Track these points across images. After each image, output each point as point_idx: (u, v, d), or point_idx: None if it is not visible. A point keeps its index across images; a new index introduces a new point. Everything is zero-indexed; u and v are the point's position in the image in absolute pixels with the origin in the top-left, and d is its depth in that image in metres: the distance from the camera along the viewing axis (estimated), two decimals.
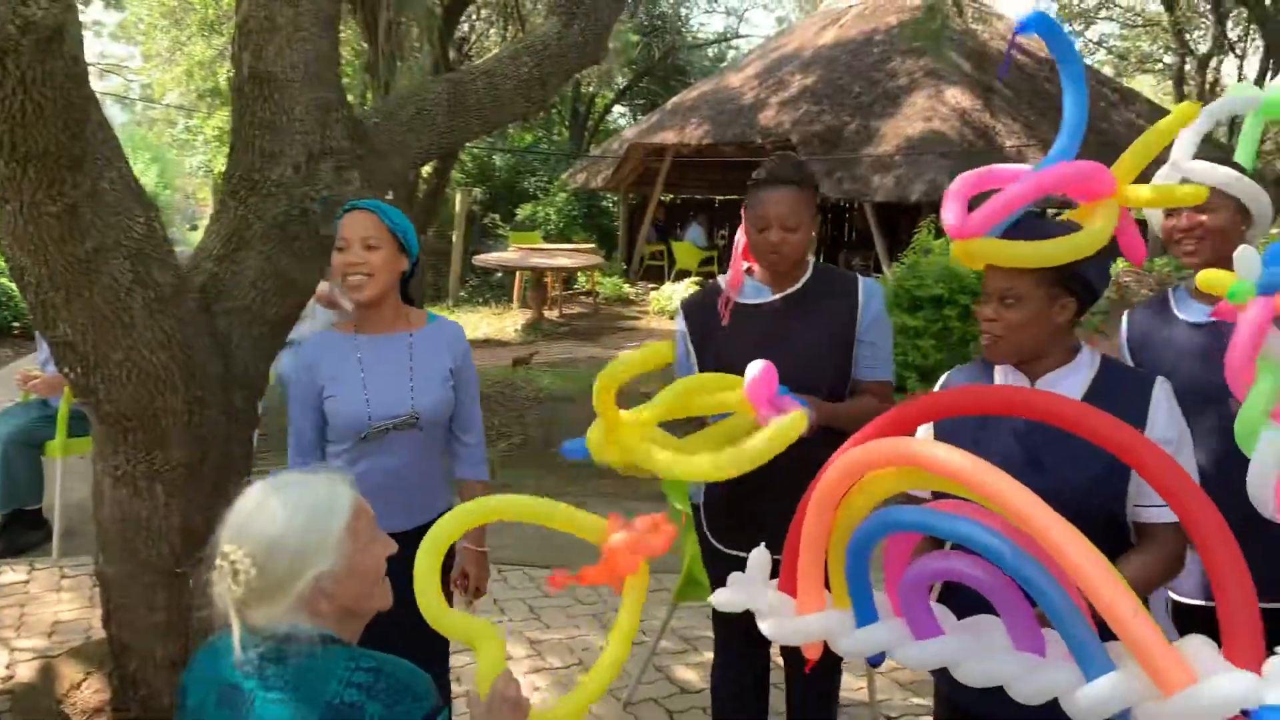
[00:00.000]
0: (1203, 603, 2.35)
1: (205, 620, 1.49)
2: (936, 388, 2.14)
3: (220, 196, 2.85)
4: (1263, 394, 1.73)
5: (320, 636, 1.45)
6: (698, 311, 2.67)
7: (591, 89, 25.76)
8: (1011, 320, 1.88)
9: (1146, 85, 25.62)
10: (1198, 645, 1.32)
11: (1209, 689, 1.22)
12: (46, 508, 5.16)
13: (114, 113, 30.39)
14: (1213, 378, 2.14)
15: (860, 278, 2.63)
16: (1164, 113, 2.33)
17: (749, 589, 1.75)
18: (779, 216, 2.46)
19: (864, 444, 1.58)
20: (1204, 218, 2.29)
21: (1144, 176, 2.15)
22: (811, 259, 2.65)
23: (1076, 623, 1.34)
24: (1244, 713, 1.21)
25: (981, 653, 1.51)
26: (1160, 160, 2.37)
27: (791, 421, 2.11)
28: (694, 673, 3.90)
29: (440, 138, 3.18)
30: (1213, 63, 21.64)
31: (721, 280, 2.66)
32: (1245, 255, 1.81)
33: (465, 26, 19.49)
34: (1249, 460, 1.79)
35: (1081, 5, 23.81)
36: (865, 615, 1.61)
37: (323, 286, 5.49)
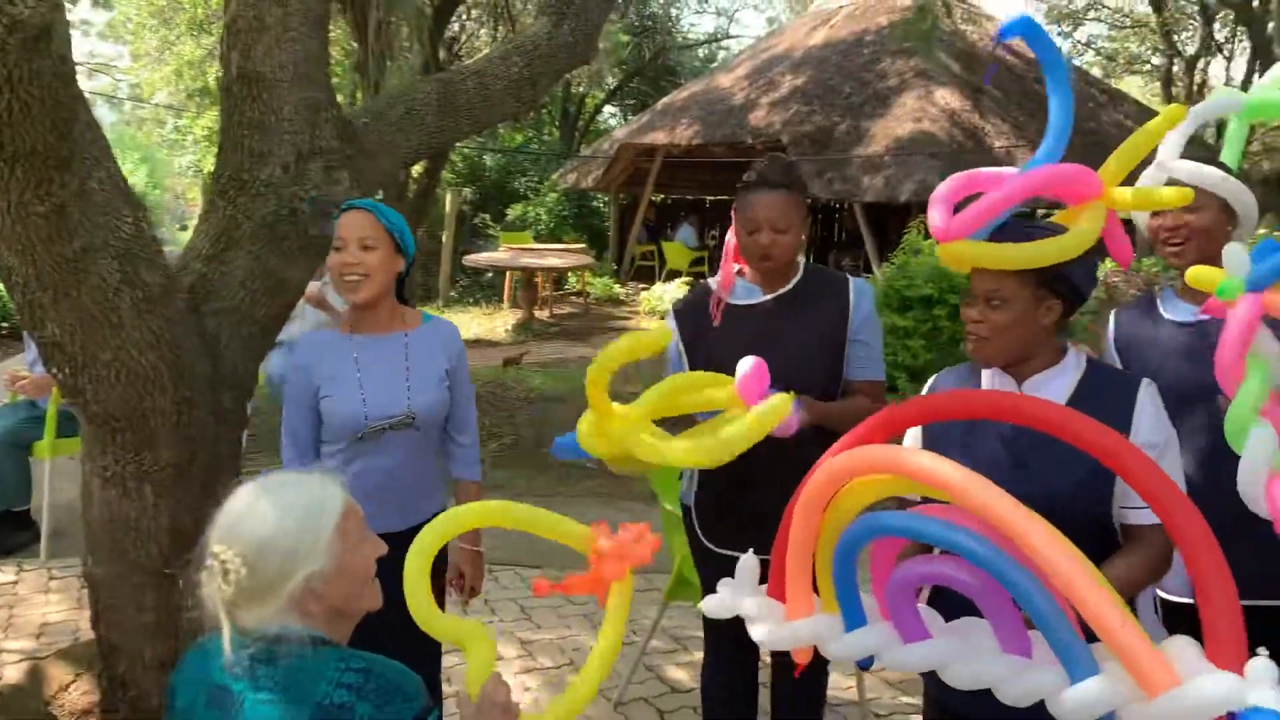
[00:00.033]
0: (1190, 600, 2.36)
1: (195, 621, 1.49)
2: (925, 390, 2.15)
3: (209, 196, 2.84)
4: (1252, 391, 1.75)
5: (310, 637, 1.45)
6: (689, 312, 2.67)
7: (582, 89, 25.76)
8: (997, 322, 1.89)
9: (1135, 86, 25.72)
10: (1181, 647, 1.33)
11: (1193, 691, 1.24)
12: (34, 509, 5.14)
13: (103, 112, 30.33)
14: (1200, 377, 2.15)
15: (851, 278, 2.64)
16: (1152, 114, 2.35)
17: (738, 594, 1.76)
18: (769, 219, 2.47)
19: (849, 450, 1.59)
20: (1190, 217, 2.30)
21: (1130, 176, 2.16)
22: (802, 260, 2.66)
23: (1061, 626, 1.35)
24: (1230, 714, 1.23)
25: (969, 655, 1.52)
26: (1147, 160, 2.38)
27: (774, 406, 2.12)
28: (684, 672, 3.90)
29: (430, 138, 3.17)
30: (1200, 64, 21.73)
31: (713, 281, 2.66)
32: (1234, 252, 1.82)
33: (455, 26, 19.45)
34: (1237, 458, 1.80)
35: (1070, 6, 23.90)
36: (853, 619, 1.62)
37: (312, 287, 5.49)
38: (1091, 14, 24.42)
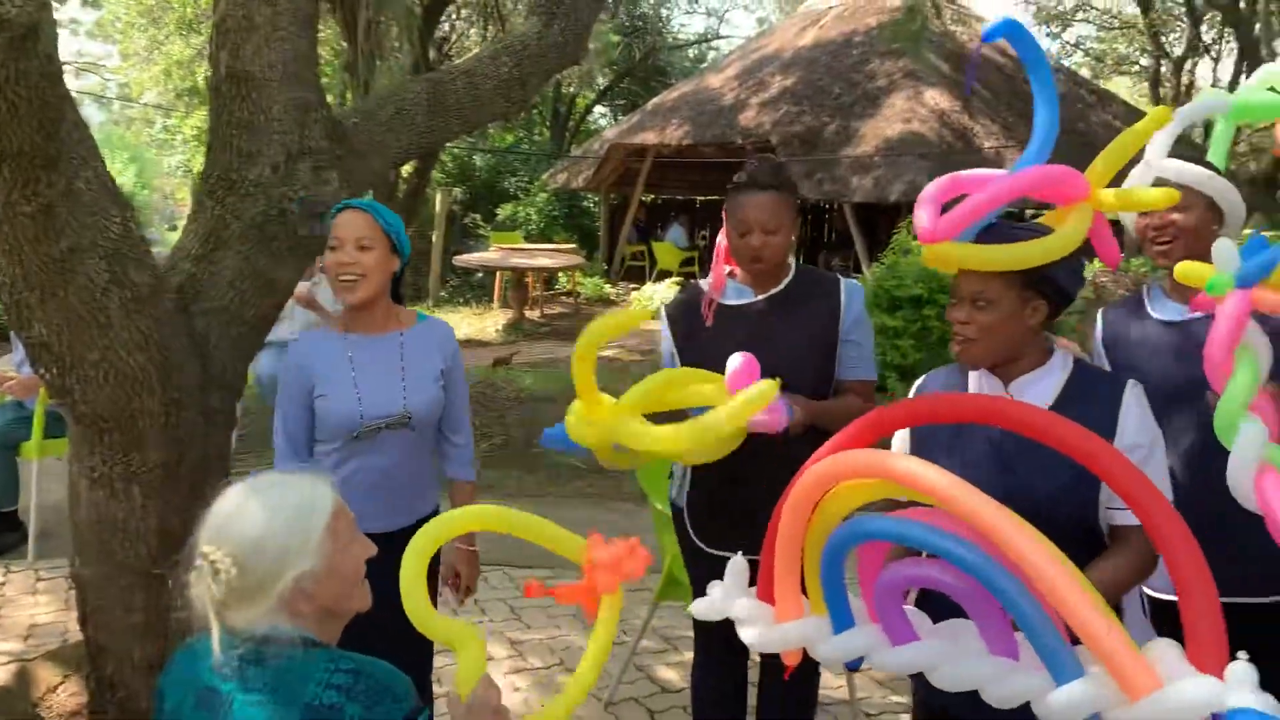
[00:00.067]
0: (1177, 598, 2.38)
1: (183, 622, 1.48)
2: (913, 390, 2.16)
3: (197, 196, 2.83)
4: (1241, 386, 1.76)
5: (300, 638, 1.44)
6: (681, 313, 2.68)
7: (572, 89, 25.75)
8: (983, 323, 1.89)
9: (1123, 87, 25.82)
10: (1163, 649, 1.35)
11: (1174, 694, 1.26)
12: (22, 510, 5.12)
13: (91, 112, 30.16)
14: (1187, 375, 2.16)
15: (842, 279, 2.66)
16: (1140, 114, 2.36)
17: (727, 597, 1.77)
18: (759, 221, 2.48)
19: (836, 454, 1.60)
20: (1177, 217, 2.31)
21: (1119, 175, 2.17)
22: (793, 261, 2.66)
23: (1046, 630, 1.37)
24: (1213, 716, 1.24)
25: (956, 657, 1.53)
26: (1136, 159, 2.40)
27: (761, 391, 2.14)
28: (675, 672, 3.91)
29: (420, 138, 3.17)
30: (1188, 65, 21.83)
31: (704, 283, 2.67)
32: (1224, 248, 1.83)
33: (445, 26, 19.43)
34: (1224, 456, 1.81)
35: (1058, 8, 23.99)
36: (841, 621, 1.64)
37: (301, 287, 5.48)
38: (1080, 15, 24.53)
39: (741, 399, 2.15)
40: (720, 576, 1.80)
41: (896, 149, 13.41)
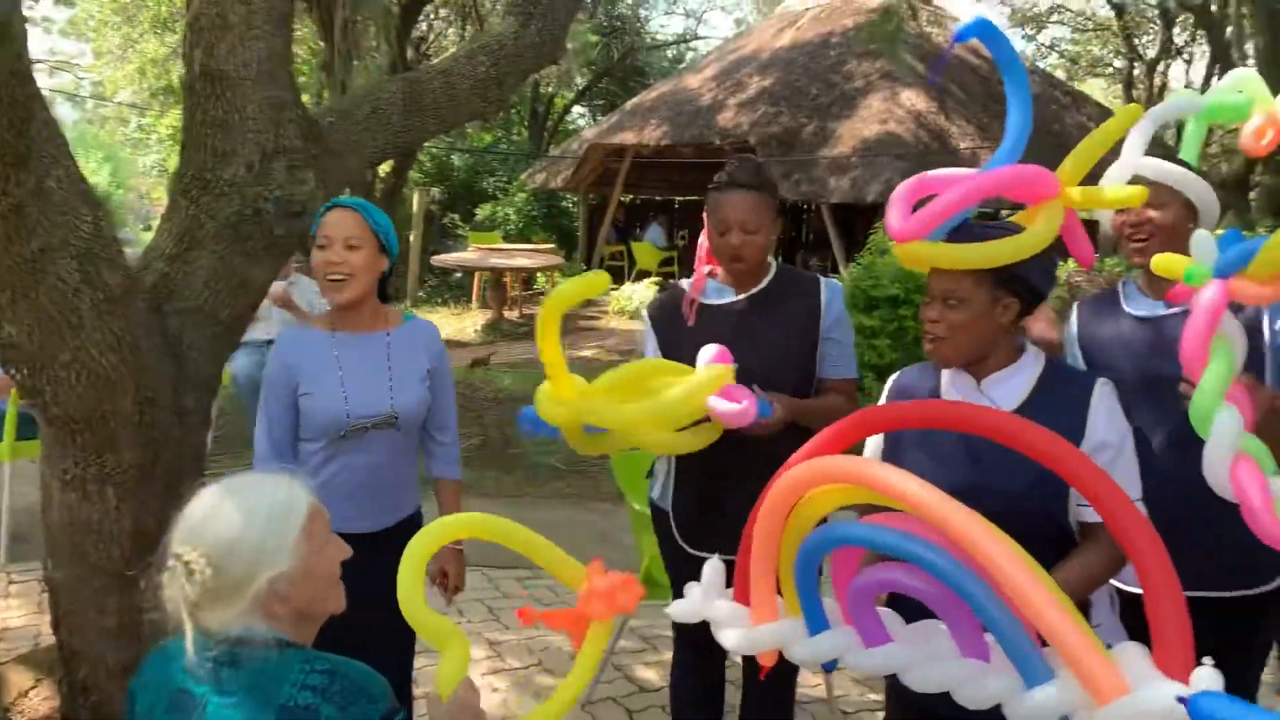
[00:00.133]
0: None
1: (157, 625, 1.47)
2: (886, 387, 2.17)
3: (172, 196, 2.81)
4: (1217, 376, 1.77)
5: (275, 639, 1.44)
6: (663, 313, 2.69)
7: (551, 89, 25.72)
8: (954, 321, 1.91)
9: (1097, 89, 26.03)
10: (1131, 654, 1.37)
11: (1141, 699, 1.28)
12: None
13: (65, 111, 29.89)
14: (1161, 370, 2.18)
15: (822, 278, 2.67)
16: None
17: (705, 599, 1.78)
18: (739, 220, 2.49)
19: (811, 460, 1.61)
20: (1153, 214, 2.33)
21: (1095, 176, 2.19)
22: (774, 261, 2.68)
23: (1015, 634, 1.39)
24: (1180, 699, 1.26)
25: (928, 660, 1.55)
26: (1112, 159, 2.42)
27: (714, 374, 2.22)
28: (653, 671, 3.91)
29: (396, 137, 3.16)
30: (1160, 67, 22.07)
31: (685, 283, 2.68)
32: (1202, 239, 1.85)
33: (423, 26, 19.38)
34: (1197, 452, 1.83)
35: (1033, 10, 24.17)
36: (816, 624, 1.65)
37: (277, 287, 5.44)
38: (1055, 17, 24.72)
39: (695, 379, 2.19)
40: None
41: (873, 150, 13.46)
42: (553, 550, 1.75)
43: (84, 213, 2.28)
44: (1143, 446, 2.19)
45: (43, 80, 2.17)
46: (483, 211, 19.63)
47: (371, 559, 1.85)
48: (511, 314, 14.27)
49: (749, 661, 2.74)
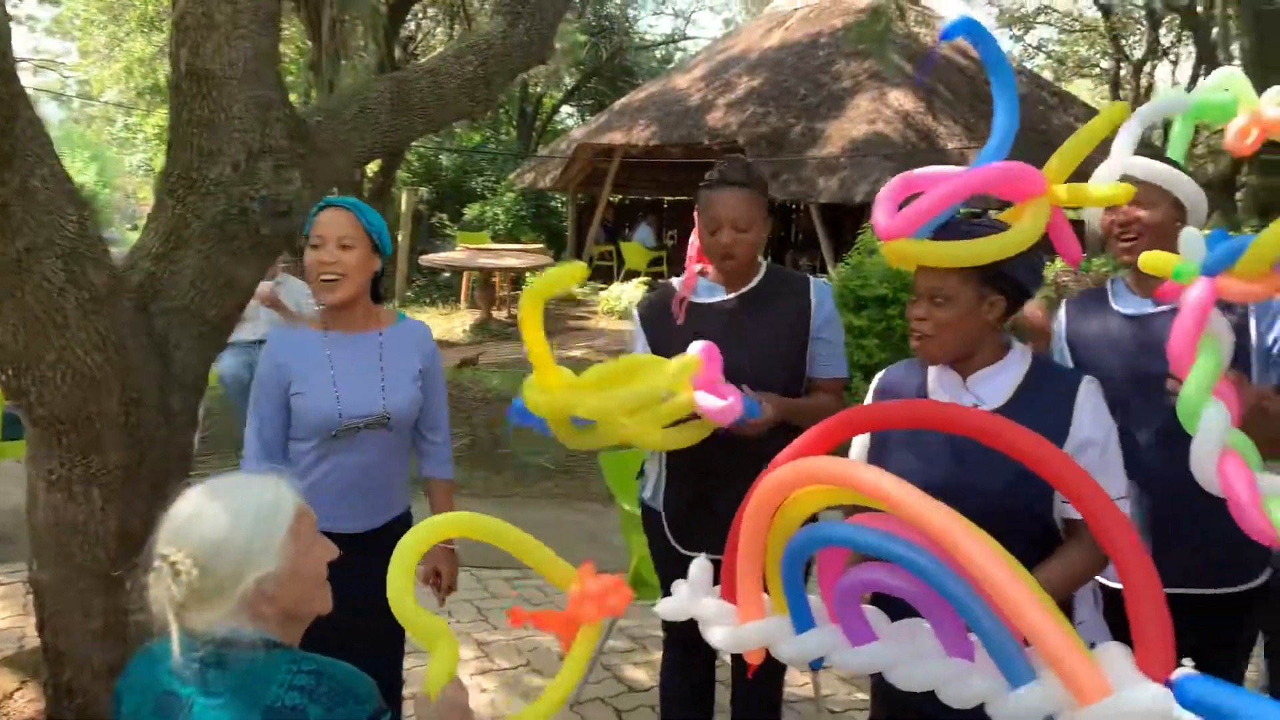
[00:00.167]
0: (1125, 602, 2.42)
1: (143, 626, 1.47)
2: (873, 383, 2.18)
3: (158, 195, 2.80)
4: (1205, 372, 1.78)
5: (262, 640, 1.43)
6: (653, 312, 2.69)
7: (539, 89, 25.70)
8: (940, 319, 1.91)
9: (1084, 89, 26.14)
10: (1113, 655, 1.38)
11: (1123, 701, 1.29)
12: None
13: (50, 110, 29.73)
14: (1149, 368, 2.19)
15: (811, 278, 2.68)
16: None
17: (693, 597, 1.78)
18: (730, 218, 2.50)
19: (796, 461, 1.62)
20: (1142, 213, 2.33)
21: (1084, 175, 2.20)
22: (764, 261, 2.69)
23: (999, 634, 1.40)
24: (1167, 683, 1.27)
25: (913, 658, 1.56)
26: (1099, 159, 2.43)
27: (685, 361, 2.26)
28: (642, 671, 3.91)
29: (383, 136, 3.15)
30: (1147, 67, 22.19)
31: (675, 281, 2.69)
32: (1190, 237, 1.86)
33: (411, 25, 19.33)
34: (1184, 450, 1.83)
35: (1021, 10, 24.26)
36: (802, 623, 1.66)
37: (264, 287, 5.43)
38: (1042, 18, 24.82)
39: (676, 365, 2.25)
40: None
41: (861, 150, 13.49)
42: (543, 551, 1.75)
43: (69, 212, 2.27)
44: (1130, 443, 2.21)
45: (27, 79, 2.15)
46: (471, 211, 19.59)
47: (361, 559, 1.84)
48: (500, 314, 14.25)
49: (738, 660, 2.74)
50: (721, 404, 2.27)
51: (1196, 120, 2.78)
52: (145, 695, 1.47)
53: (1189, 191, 2.34)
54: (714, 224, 2.52)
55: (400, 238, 16.42)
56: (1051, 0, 24.69)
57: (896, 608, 1.65)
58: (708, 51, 19.35)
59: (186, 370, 2.71)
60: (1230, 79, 2.68)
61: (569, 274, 2.26)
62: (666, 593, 2.12)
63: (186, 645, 1.42)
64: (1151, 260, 1.94)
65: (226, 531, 1.42)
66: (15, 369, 2.33)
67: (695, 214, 2.59)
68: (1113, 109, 2.10)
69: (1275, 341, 2.24)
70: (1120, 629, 1.45)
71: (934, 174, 2.03)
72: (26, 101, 2.13)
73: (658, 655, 2.91)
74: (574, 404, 2.24)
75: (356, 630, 2.01)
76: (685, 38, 33.32)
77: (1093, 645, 1.43)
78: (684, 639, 2.69)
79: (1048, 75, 23.63)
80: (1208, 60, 15.21)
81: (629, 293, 14.23)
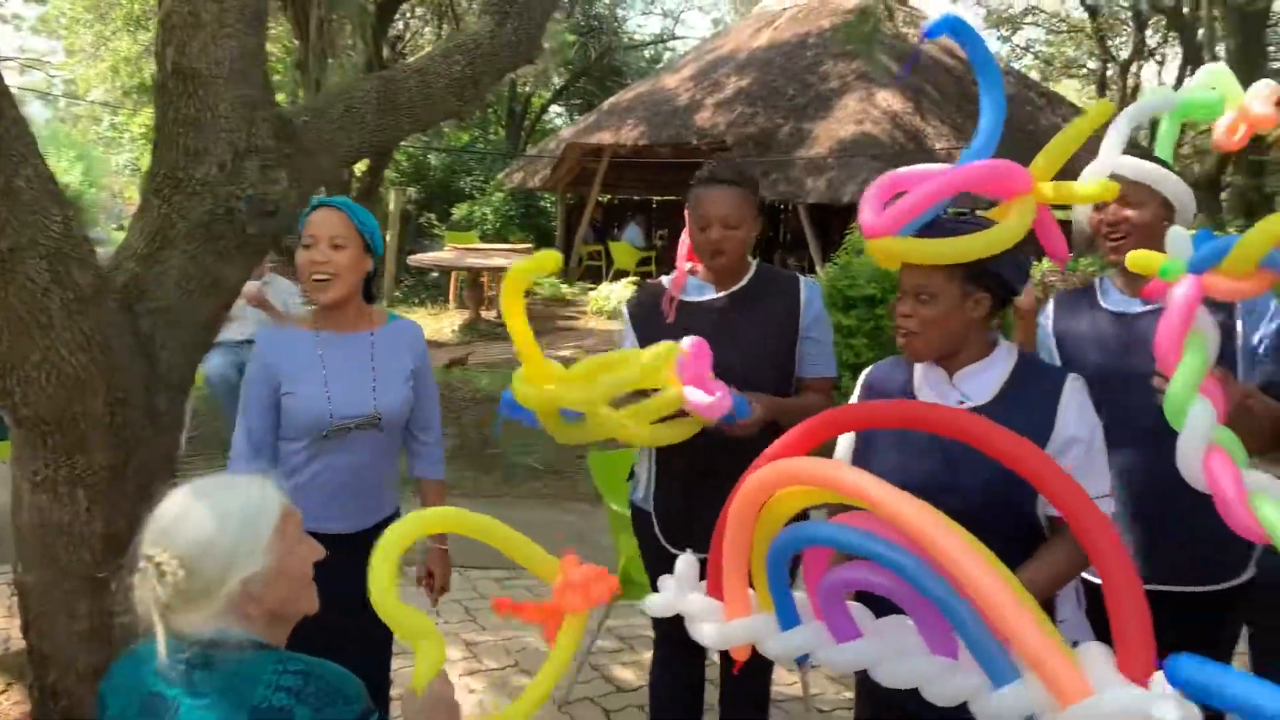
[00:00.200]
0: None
1: (128, 628, 1.46)
2: (859, 380, 2.19)
3: (144, 195, 2.79)
4: (1191, 369, 1.79)
5: (248, 641, 1.43)
6: (642, 310, 2.70)
7: (528, 89, 25.67)
8: (926, 316, 1.92)
9: (1071, 89, 26.24)
10: (1094, 655, 1.39)
11: (1104, 702, 1.30)
12: None
13: (36, 109, 29.59)
14: (1136, 366, 2.20)
15: (801, 277, 2.69)
16: None
17: (680, 593, 1.79)
18: (720, 216, 2.51)
19: (780, 462, 1.63)
20: (1131, 213, 2.34)
21: (1074, 175, 2.21)
22: (754, 260, 2.69)
23: (981, 634, 1.40)
24: (1159, 663, 1.30)
25: (897, 656, 1.57)
26: (1088, 158, 2.44)
27: (665, 348, 2.28)
28: (630, 671, 3.91)
29: (371, 136, 3.14)
30: (1133, 68, 22.30)
31: (665, 280, 2.69)
32: (1177, 236, 1.87)
33: (400, 25, 19.30)
34: (1170, 447, 1.84)
35: (1008, 11, 24.34)
36: (788, 620, 1.67)
37: (251, 286, 5.41)
38: (1029, 19, 24.91)
39: (653, 353, 2.28)
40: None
41: (849, 150, 13.52)
42: (528, 545, 1.75)
43: (54, 212, 2.26)
44: (1117, 441, 2.22)
45: (13, 78, 2.14)
46: (459, 211, 19.57)
47: (351, 560, 1.84)
48: (488, 314, 14.22)
49: (726, 657, 2.75)
50: (710, 399, 2.28)
51: (1184, 119, 2.80)
52: (130, 697, 1.46)
53: (1177, 191, 2.35)
54: (704, 221, 2.52)
55: (388, 238, 16.39)
56: (1039, 1, 24.79)
57: (882, 604, 1.66)
58: (696, 51, 19.37)
59: (172, 370, 2.70)
60: (1216, 76, 2.69)
61: (543, 261, 2.26)
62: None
63: (172, 646, 1.41)
64: (1138, 259, 1.95)
65: (212, 532, 1.42)
66: (0, 369, 2.32)
67: (686, 212, 2.60)
68: (1098, 107, 2.10)
69: (1261, 341, 2.26)
70: (1103, 624, 1.46)
71: (920, 172, 2.03)
72: (11, 100, 2.12)
73: (646, 655, 2.91)
74: (560, 395, 2.24)
75: (345, 631, 2.01)
76: (674, 38, 33.37)
77: (1075, 644, 1.44)
78: (674, 638, 2.69)
79: (1035, 76, 23.72)
80: (1194, 61, 15.31)
81: (618, 293, 14.22)
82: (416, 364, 2.58)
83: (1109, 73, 22.87)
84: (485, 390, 8.88)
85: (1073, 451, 1.87)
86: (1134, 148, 2.48)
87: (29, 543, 2.59)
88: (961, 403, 1.93)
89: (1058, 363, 2.45)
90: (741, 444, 2.35)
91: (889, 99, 14.45)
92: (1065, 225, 2.32)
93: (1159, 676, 1.31)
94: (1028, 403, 1.90)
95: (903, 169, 2.07)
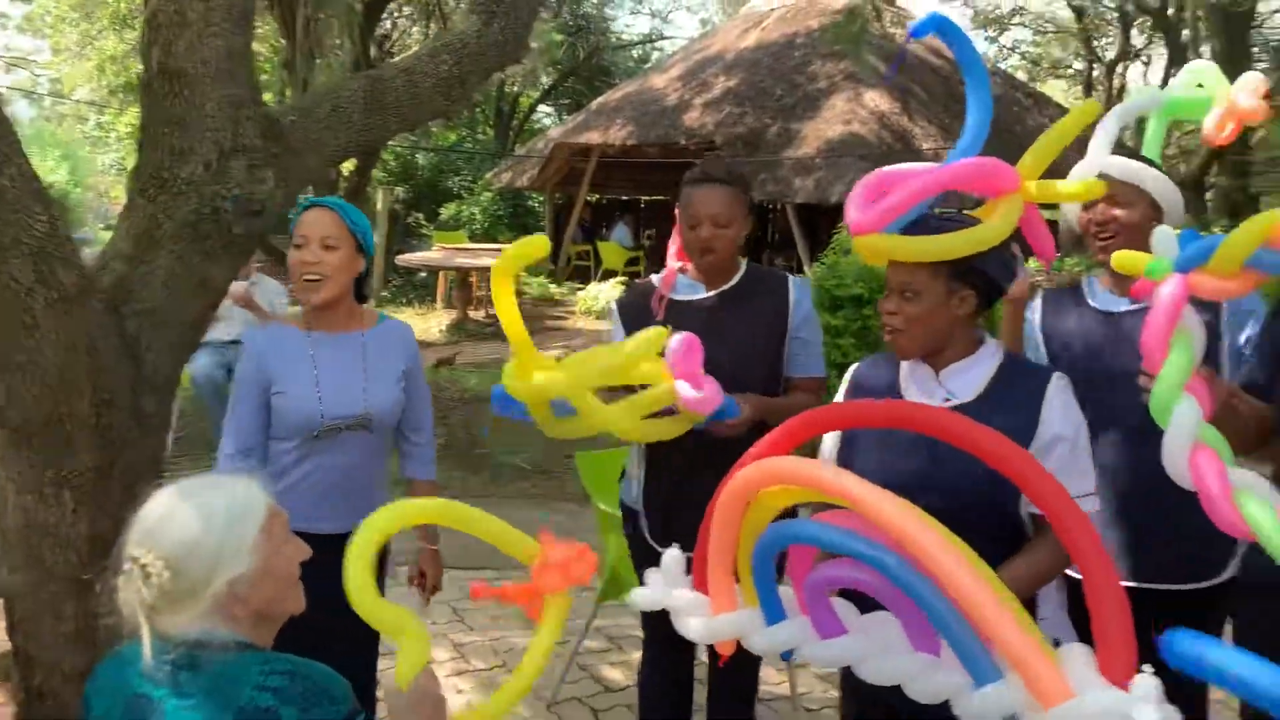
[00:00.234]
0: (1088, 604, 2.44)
1: (113, 629, 1.45)
2: (847, 376, 2.19)
3: (130, 195, 2.78)
4: (1177, 367, 1.80)
5: (234, 642, 1.43)
6: (632, 309, 2.70)
7: (516, 88, 25.65)
8: (910, 313, 1.93)
9: (1058, 90, 26.34)
10: (1075, 657, 1.40)
11: (1084, 705, 1.31)
12: None
13: (21, 108, 29.42)
14: (1123, 365, 2.21)
15: (790, 277, 2.70)
16: None
17: (666, 588, 1.79)
18: (711, 214, 2.51)
19: (764, 460, 1.63)
20: (1119, 213, 2.35)
21: (1062, 174, 2.21)
22: (744, 260, 2.70)
23: (963, 634, 1.41)
24: (1153, 643, 1.31)
25: (881, 653, 1.58)
26: (1076, 158, 2.45)
27: (651, 335, 2.28)
28: (618, 671, 3.91)
29: (358, 135, 3.13)
30: (1119, 68, 22.41)
31: (655, 278, 2.70)
32: (1163, 235, 1.88)
33: (387, 24, 19.26)
34: (1157, 445, 1.85)
35: (996, 12, 24.43)
36: (773, 615, 1.68)
37: (238, 287, 5.39)
38: (1016, 19, 25.00)
39: (637, 340, 2.28)
40: None
41: (837, 150, 13.54)
42: (505, 529, 1.75)
43: (38, 211, 2.25)
44: (1103, 439, 2.23)
45: None
46: (448, 211, 19.53)
47: (338, 560, 1.83)
48: (477, 314, 14.21)
49: (715, 656, 2.76)
50: (699, 394, 2.28)
51: (1172, 117, 2.81)
52: (115, 698, 1.45)
53: (1166, 191, 2.36)
54: (694, 219, 2.53)
55: (376, 237, 16.31)
56: (1026, 2, 24.89)
57: (868, 601, 1.67)
58: (684, 51, 19.38)
59: (158, 371, 2.69)
60: (1203, 72, 2.70)
61: (531, 246, 2.25)
62: None
63: (158, 648, 1.41)
64: (1124, 259, 1.96)
65: (197, 533, 1.41)
66: None
67: (676, 211, 2.60)
68: (1084, 107, 2.12)
69: (1246, 341, 2.27)
70: (1085, 619, 1.46)
71: (907, 171, 2.04)
72: None
73: (635, 655, 2.91)
74: (549, 381, 2.24)
75: (333, 631, 2.00)
76: (662, 37, 33.36)
77: (1057, 643, 1.45)
78: (663, 637, 2.69)
79: (1022, 76, 23.81)
80: (1179, 62, 15.39)
81: (606, 292, 14.22)
82: (408, 364, 2.58)
83: (1095, 73, 23.00)
84: (473, 390, 8.87)
85: (1057, 450, 1.88)
86: (1120, 148, 2.49)
87: (14, 544, 2.57)
88: (947, 400, 1.94)
89: (1045, 359, 2.46)
90: (731, 444, 2.35)
91: (876, 99, 14.48)
92: (1054, 225, 2.33)
93: (1140, 679, 1.31)
94: (1013, 401, 1.91)
95: (889, 167, 2.08)
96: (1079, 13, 21.57)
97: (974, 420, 1.57)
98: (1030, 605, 1.87)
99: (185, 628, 1.41)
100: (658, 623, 2.51)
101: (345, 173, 14.07)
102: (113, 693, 1.46)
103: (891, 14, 17.17)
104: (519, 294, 16.23)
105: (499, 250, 14.87)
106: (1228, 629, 2.37)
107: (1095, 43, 22.99)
